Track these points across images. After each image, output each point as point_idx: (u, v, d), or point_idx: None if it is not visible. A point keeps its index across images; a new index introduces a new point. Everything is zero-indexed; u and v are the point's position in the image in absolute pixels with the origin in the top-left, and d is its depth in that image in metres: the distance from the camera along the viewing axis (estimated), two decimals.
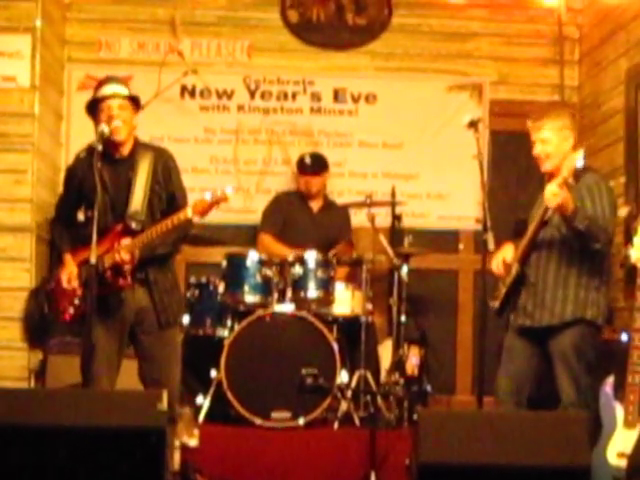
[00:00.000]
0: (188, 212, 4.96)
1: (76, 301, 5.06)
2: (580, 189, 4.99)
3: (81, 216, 5.22)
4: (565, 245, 5.01)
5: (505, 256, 5.20)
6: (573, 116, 5.24)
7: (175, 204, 5.11)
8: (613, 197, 5.11)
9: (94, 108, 5.06)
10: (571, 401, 4.95)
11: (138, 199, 5.05)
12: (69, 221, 5.24)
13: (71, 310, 5.08)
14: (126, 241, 4.97)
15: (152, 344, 5.10)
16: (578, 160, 4.78)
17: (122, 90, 5.07)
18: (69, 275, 5.07)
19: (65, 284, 5.06)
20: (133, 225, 5.01)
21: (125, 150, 5.10)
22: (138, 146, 5.17)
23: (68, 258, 5.12)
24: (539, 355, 5.12)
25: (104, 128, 4.93)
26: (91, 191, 4.96)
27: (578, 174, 5.01)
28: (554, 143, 5.04)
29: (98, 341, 4.82)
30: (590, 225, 4.83)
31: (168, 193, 5.16)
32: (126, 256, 4.95)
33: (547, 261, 5.07)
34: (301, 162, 7.17)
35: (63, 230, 5.26)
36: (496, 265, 5.21)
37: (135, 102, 5.13)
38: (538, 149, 5.07)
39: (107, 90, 5.05)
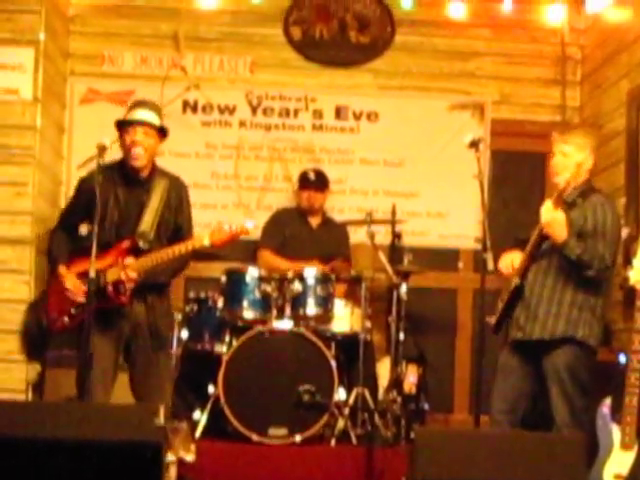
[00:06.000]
0: (205, 240, 4.98)
1: (72, 310, 5.07)
2: (586, 209, 5.00)
3: (83, 230, 5.24)
4: (563, 262, 5.01)
5: (514, 259, 5.18)
6: (597, 140, 5.26)
7: (181, 234, 5.13)
8: (618, 221, 5.12)
9: (122, 127, 5.15)
10: (565, 422, 4.95)
11: (148, 221, 5.10)
12: (71, 232, 5.26)
13: (66, 319, 5.09)
14: (131, 259, 4.98)
15: (144, 364, 5.15)
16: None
17: (151, 118, 5.16)
18: (77, 288, 5.06)
19: (75, 297, 5.05)
20: (141, 243, 5.03)
21: (143, 173, 5.18)
22: (156, 171, 5.26)
23: (63, 270, 5.13)
24: (533, 374, 5.11)
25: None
26: (103, 206, 5.00)
27: (585, 194, 5.03)
28: (574, 159, 5.04)
29: (95, 353, 4.82)
30: (582, 255, 4.85)
31: (176, 222, 5.21)
32: (133, 274, 4.97)
33: (545, 276, 5.07)
34: (304, 177, 7.18)
35: (62, 240, 5.26)
36: (505, 265, 5.19)
37: (162, 131, 5.20)
38: (556, 160, 5.08)
39: (137, 115, 5.15)
